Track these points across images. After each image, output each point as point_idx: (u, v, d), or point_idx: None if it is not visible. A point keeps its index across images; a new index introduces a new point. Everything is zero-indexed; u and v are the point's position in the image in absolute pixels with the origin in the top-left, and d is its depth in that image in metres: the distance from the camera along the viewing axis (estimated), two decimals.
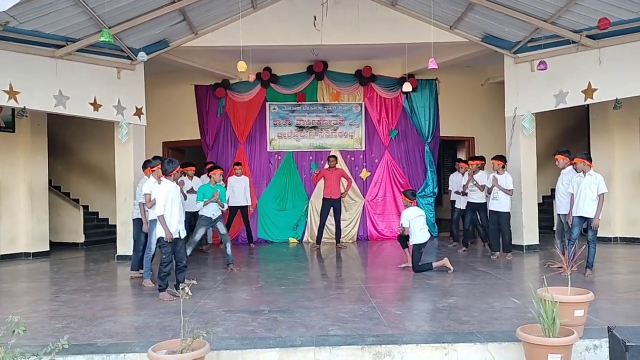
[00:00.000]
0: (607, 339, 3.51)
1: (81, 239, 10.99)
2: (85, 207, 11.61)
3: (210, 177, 7.76)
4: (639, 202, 9.64)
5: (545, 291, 3.87)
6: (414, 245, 7.19)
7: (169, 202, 5.69)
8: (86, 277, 7.45)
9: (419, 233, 7.20)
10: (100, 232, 11.56)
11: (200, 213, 7.48)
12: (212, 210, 7.39)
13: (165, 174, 5.85)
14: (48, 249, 9.85)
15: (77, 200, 11.75)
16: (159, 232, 5.73)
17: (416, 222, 7.21)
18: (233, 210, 9.83)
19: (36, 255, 9.52)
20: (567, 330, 3.61)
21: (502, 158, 8.18)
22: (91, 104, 8.25)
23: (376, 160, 11.31)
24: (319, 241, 9.94)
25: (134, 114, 8.87)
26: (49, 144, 10.07)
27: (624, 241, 9.73)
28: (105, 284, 6.75)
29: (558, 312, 3.59)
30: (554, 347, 3.50)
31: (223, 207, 7.49)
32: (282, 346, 3.97)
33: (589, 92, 8.06)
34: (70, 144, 12.09)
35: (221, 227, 7.54)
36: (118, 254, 8.82)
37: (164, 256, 5.73)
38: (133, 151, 8.78)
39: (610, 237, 9.74)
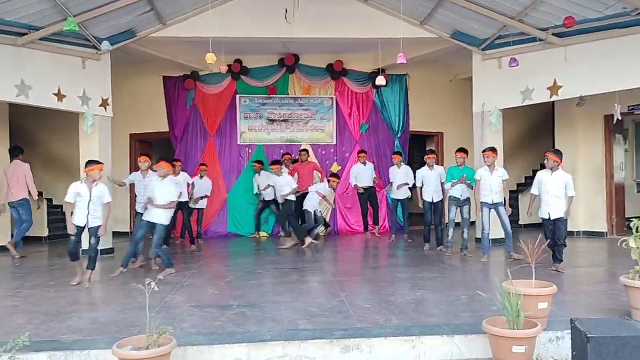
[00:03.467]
0: (570, 331, 3.60)
1: (45, 232, 10.71)
2: (49, 200, 11.30)
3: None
4: (601, 197, 9.92)
5: (510, 284, 3.94)
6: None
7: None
8: (50, 272, 7.27)
9: None
10: (65, 225, 11.23)
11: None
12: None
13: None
14: None
15: (40, 193, 11.41)
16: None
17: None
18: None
19: None
20: (531, 322, 3.68)
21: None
22: (55, 94, 8.01)
23: (347, 154, 11.34)
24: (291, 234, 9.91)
25: (100, 105, 8.66)
26: (11, 135, 9.76)
27: (586, 235, 10.01)
28: (70, 278, 6.58)
29: (522, 304, 3.66)
30: (518, 339, 3.58)
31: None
32: (251, 341, 3.94)
33: (554, 89, 8.22)
34: (34, 135, 11.74)
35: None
36: (84, 248, 8.61)
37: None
38: (98, 143, 8.59)
39: (573, 231, 9.99)
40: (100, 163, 6.43)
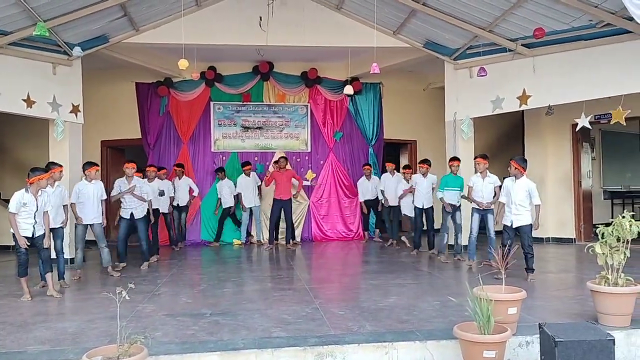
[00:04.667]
0: (539, 335, 3.67)
1: (11, 241, 10.41)
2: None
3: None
4: (569, 204, 10.15)
5: (481, 290, 4.01)
6: None
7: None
8: (17, 282, 7.08)
9: None
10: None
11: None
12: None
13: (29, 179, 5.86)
14: None
15: (8, 201, 11.15)
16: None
17: None
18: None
19: None
20: (501, 328, 3.74)
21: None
22: (24, 100, 7.86)
23: (321, 162, 11.37)
24: (271, 241, 9.94)
25: (70, 112, 8.52)
26: None
27: (555, 241, 10.22)
28: (38, 288, 6.45)
29: (493, 310, 3.72)
30: (488, 344, 3.63)
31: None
32: (224, 350, 3.91)
33: (523, 98, 8.41)
34: (2, 142, 11.49)
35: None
36: (53, 256, 8.42)
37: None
38: (69, 150, 8.44)
39: (543, 238, 10.20)
40: (45, 172, 6.06)
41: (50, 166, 6.55)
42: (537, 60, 8.28)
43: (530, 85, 8.34)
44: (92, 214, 7.13)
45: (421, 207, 8.73)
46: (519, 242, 6.49)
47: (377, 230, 11.22)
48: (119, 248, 7.85)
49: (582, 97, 7.87)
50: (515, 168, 6.56)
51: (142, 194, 7.80)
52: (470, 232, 7.50)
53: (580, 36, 7.75)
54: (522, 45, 8.30)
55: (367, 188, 10.49)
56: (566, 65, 8.01)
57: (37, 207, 5.90)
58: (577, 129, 8.15)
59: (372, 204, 10.57)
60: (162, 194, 9.17)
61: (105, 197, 7.35)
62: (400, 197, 9.44)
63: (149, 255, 8.06)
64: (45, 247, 6.06)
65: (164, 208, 9.39)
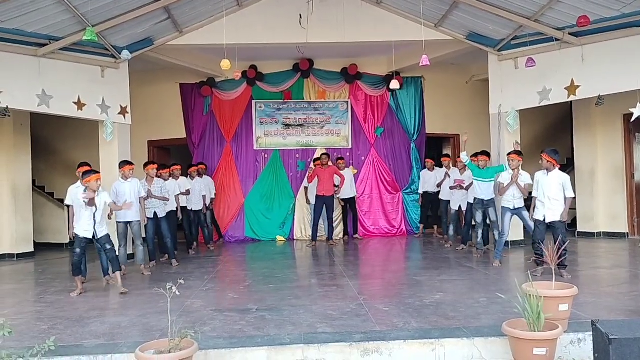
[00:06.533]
0: (591, 333, 3.56)
1: (66, 239, 10.81)
2: (70, 207, 11.46)
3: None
4: (621, 197, 9.78)
5: (530, 286, 3.92)
6: None
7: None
8: (71, 278, 7.35)
9: None
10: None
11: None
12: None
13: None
14: (32, 249, 9.76)
15: (61, 201, 11.59)
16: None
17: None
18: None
19: (20, 256, 9.42)
20: (552, 325, 3.66)
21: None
22: (75, 103, 8.16)
23: (362, 158, 11.34)
24: (314, 238, 10.04)
25: (119, 113, 8.79)
26: (33, 143, 9.97)
27: (607, 236, 9.87)
28: (91, 284, 6.69)
29: (543, 306, 3.64)
30: (539, 341, 3.56)
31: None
32: (271, 344, 3.97)
33: (572, 89, 8.15)
34: (54, 144, 11.97)
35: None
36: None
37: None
38: (118, 150, 8.69)
39: (594, 232, 9.88)
40: (97, 172, 6.28)
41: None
42: (586, 49, 8.01)
43: (579, 75, 8.07)
44: (130, 212, 7.24)
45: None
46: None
47: (422, 226, 11.08)
48: (148, 247, 7.85)
49: (634, 86, 7.54)
50: (548, 161, 6.35)
51: (162, 194, 7.93)
52: (502, 232, 7.22)
53: (631, 23, 7.44)
54: (569, 34, 8.04)
55: (429, 179, 10.43)
56: (616, 54, 7.71)
57: (97, 207, 6.08)
58: (633, 119, 7.80)
59: (433, 197, 10.38)
60: (187, 193, 9.17)
61: (143, 194, 7.43)
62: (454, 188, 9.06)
63: (173, 253, 8.05)
64: (108, 247, 6.19)
65: (197, 206, 9.47)
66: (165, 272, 7.38)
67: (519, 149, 7.47)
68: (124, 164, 7.45)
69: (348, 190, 10.63)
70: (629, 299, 5.12)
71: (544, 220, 6.41)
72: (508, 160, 7.19)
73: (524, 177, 7.11)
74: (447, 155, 10.90)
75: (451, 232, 9.23)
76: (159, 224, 7.92)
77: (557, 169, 6.39)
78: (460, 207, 8.96)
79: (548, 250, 4.30)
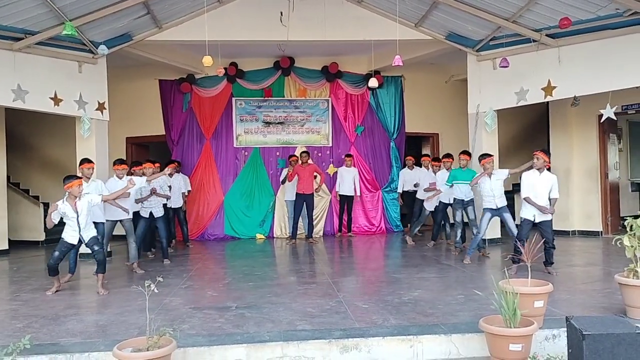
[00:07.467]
0: (565, 329, 3.64)
1: (42, 236, 10.70)
2: (46, 204, 11.27)
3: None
4: (595, 197, 9.98)
5: (506, 283, 3.99)
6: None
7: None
8: (47, 276, 7.25)
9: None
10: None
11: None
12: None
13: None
14: (7, 247, 9.58)
15: (37, 197, 11.43)
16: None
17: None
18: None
19: None
20: (528, 321, 3.73)
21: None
22: (51, 98, 8.02)
23: (342, 156, 11.36)
24: (294, 236, 10.05)
25: (96, 109, 8.67)
26: (7, 139, 9.78)
27: (581, 234, 10.06)
28: (68, 282, 6.60)
29: (519, 303, 3.70)
30: (515, 337, 3.62)
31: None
32: (250, 342, 3.97)
33: (548, 89, 8.29)
34: (30, 140, 11.75)
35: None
36: (80, 251, 8.61)
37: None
38: (95, 147, 8.57)
39: (569, 231, 10.06)
40: (79, 178, 6.10)
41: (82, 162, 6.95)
42: (563, 50, 8.14)
43: (555, 76, 8.21)
44: (122, 212, 7.17)
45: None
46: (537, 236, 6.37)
47: (409, 226, 11.04)
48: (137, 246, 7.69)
49: (609, 87, 7.71)
50: (545, 160, 6.41)
51: (164, 191, 7.96)
52: (478, 230, 7.28)
53: (606, 25, 7.59)
54: (546, 35, 8.17)
55: (409, 179, 10.39)
56: (592, 55, 7.86)
57: (77, 213, 5.92)
58: (602, 120, 7.99)
59: (414, 196, 10.28)
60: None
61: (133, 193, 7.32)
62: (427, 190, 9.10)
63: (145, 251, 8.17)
64: (96, 248, 6.06)
65: (176, 203, 9.38)
66: (144, 270, 7.31)
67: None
68: (118, 162, 7.45)
69: (349, 189, 10.60)
70: (602, 296, 5.23)
71: (534, 219, 6.46)
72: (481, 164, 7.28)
73: (499, 175, 7.19)
74: (427, 155, 10.99)
75: (415, 229, 9.45)
76: (155, 224, 7.84)
77: (546, 169, 6.47)
78: (436, 208, 8.99)
79: (525, 248, 4.36)
